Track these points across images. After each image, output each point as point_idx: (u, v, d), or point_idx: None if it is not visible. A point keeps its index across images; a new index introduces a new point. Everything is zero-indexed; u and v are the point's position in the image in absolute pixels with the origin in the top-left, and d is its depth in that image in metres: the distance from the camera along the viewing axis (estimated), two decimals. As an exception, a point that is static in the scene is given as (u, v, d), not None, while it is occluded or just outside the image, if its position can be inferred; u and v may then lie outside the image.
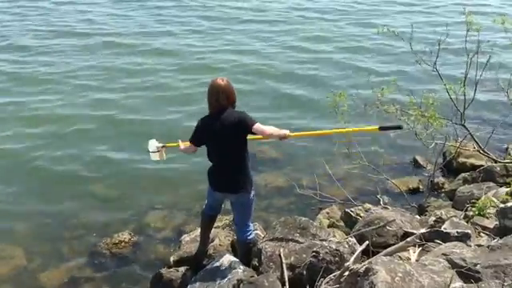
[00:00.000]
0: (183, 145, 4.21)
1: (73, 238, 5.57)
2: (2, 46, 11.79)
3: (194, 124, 4.07)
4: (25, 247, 5.40)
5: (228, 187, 4.01)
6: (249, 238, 4.15)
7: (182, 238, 5.15)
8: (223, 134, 3.84)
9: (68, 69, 10.41)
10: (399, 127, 4.31)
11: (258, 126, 3.79)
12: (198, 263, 4.40)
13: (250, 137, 3.98)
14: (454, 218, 4.45)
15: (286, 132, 3.85)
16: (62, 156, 7.17)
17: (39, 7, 15.07)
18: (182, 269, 4.36)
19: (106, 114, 8.38)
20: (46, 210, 6.03)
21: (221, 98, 3.86)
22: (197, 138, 4.03)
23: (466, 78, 6.34)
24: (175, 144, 4.39)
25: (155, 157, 4.62)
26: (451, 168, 6.78)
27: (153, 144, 4.60)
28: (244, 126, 3.82)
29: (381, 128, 4.18)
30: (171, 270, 4.39)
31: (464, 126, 6.41)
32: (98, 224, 5.77)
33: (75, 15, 14.40)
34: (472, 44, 6.30)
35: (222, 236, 4.89)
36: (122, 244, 5.35)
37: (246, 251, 4.20)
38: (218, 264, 4.09)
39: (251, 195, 4.05)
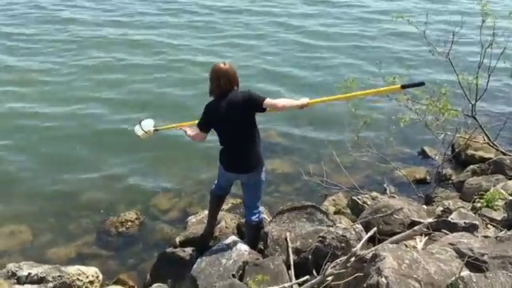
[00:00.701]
0: (190, 129, 4.15)
1: (80, 216, 5.60)
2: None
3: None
4: (32, 223, 5.45)
5: (240, 167, 4.00)
6: (258, 219, 4.16)
7: (189, 219, 5.19)
8: (231, 116, 3.80)
9: (55, 61, 9.91)
10: (422, 84, 3.97)
11: (268, 101, 3.72)
12: (203, 244, 4.42)
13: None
14: (461, 209, 4.44)
15: (306, 100, 3.75)
16: (71, 137, 7.17)
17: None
18: (188, 249, 4.39)
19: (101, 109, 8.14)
20: (54, 188, 6.07)
21: (222, 82, 3.81)
22: (205, 123, 3.99)
23: (479, 68, 6.27)
24: (172, 126, 4.43)
25: (139, 132, 4.58)
26: (459, 160, 6.72)
27: (148, 124, 4.57)
28: (254, 105, 3.77)
29: (403, 86, 3.99)
30: (177, 249, 4.42)
31: (474, 118, 6.35)
32: (105, 203, 5.81)
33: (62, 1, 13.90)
34: (486, 36, 6.22)
35: (228, 218, 4.91)
36: (129, 223, 5.38)
37: (253, 233, 4.21)
38: (223, 245, 4.11)
39: (262, 176, 4.04)
